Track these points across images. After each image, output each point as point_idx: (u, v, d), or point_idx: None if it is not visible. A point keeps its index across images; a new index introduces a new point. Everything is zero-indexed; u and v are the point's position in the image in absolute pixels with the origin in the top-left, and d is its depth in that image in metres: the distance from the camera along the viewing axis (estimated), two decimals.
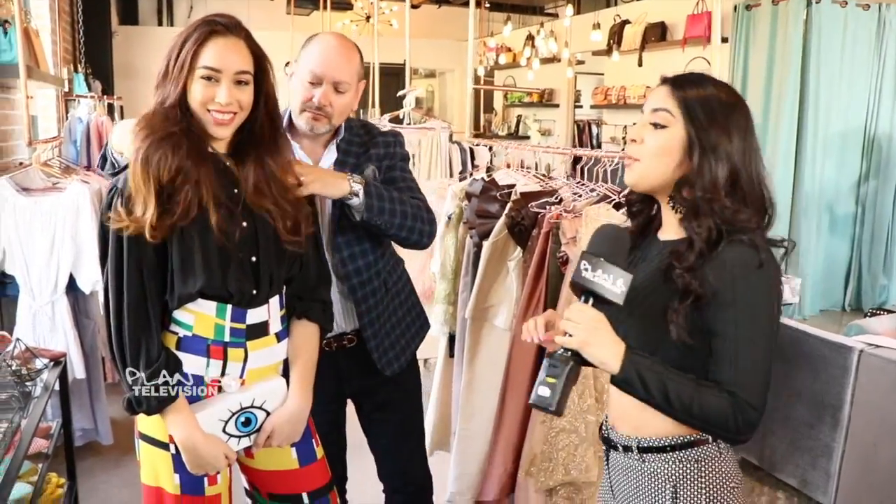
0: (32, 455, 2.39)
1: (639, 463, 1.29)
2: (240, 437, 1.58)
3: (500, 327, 2.32)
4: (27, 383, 2.31)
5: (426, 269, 3.07)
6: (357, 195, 1.72)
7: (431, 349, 3.02)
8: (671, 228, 1.32)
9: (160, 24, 9.39)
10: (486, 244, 2.33)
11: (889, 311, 4.07)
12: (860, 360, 2.56)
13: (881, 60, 5.79)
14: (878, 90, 5.82)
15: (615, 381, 1.20)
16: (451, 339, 2.71)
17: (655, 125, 1.27)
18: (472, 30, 2.86)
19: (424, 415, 2.20)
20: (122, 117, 4.74)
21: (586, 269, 1.17)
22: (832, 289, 6.01)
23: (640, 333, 1.24)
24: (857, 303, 6.00)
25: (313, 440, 1.72)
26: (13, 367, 2.32)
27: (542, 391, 1.17)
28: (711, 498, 1.26)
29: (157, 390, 1.47)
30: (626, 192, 1.48)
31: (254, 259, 1.53)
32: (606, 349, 1.17)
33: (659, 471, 1.27)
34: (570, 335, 1.17)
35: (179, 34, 1.49)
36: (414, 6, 8.99)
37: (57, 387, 2.52)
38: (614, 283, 1.16)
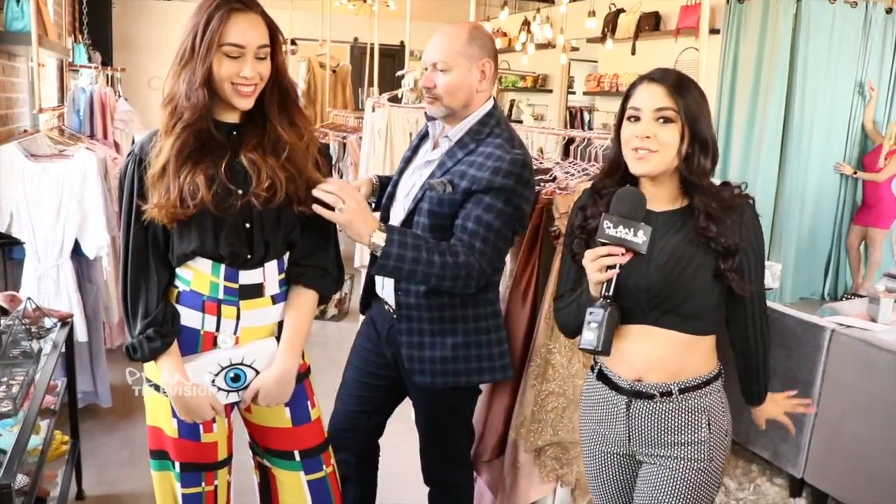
0: (41, 410, 2.47)
1: (676, 403, 1.51)
2: (228, 391, 1.66)
3: None
4: (38, 340, 2.40)
5: None
6: (376, 252, 1.66)
7: None
8: (661, 200, 1.52)
9: None
10: None
11: (861, 297, 4.21)
12: (832, 338, 2.72)
13: (866, 56, 5.92)
14: (863, 85, 5.96)
15: None
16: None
17: (665, 120, 1.45)
18: (473, 12, 2.94)
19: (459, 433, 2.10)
20: (121, 89, 4.78)
21: (609, 227, 1.39)
22: (812, 278, 6.16)
23: (682, 289, 1.45)
24: (835, 292, 6.16)
25: (308, 402, 1.78)
26: (25, 325, 2.41)
27: (587, 335, 1.40)
28: (727, 418, 1.55)
29: (151, 339, 1.57)
30: (596, 177, 1.65)
31: (248, 225, 1.60)
32: None
33: (696, 406, 1.51)
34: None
35: (197, 13, 1.53)
36: None
37: (63, 347, 2.60)
38: (636, 234, 1.38)
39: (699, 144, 1.46)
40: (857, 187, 6.04)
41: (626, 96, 1.52)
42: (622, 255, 1.40)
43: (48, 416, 2.56)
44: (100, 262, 3.19)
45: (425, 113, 1.96)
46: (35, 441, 2.32)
